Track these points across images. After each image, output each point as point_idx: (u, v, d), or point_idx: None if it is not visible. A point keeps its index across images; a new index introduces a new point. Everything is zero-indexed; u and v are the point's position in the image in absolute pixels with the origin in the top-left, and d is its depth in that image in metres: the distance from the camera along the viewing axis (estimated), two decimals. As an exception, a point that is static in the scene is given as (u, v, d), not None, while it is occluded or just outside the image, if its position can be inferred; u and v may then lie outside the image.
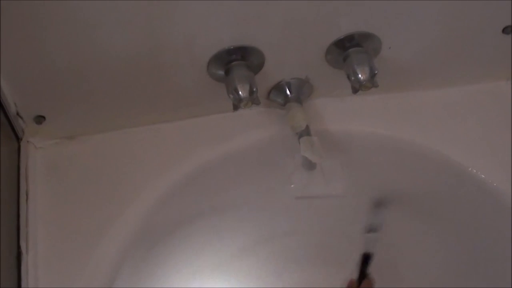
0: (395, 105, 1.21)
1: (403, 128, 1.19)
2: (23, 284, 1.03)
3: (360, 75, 1.06)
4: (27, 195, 1.11)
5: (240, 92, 1.03)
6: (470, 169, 1.15)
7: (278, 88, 1.16)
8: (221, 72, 1.08)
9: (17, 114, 1.11)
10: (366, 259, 1.23)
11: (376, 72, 1.06)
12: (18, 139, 1.16)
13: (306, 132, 1.11)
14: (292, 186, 1.14)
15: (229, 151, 1.18)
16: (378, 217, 1.25)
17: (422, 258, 1.35)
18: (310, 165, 1.12)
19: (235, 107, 1.06)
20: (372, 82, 1.06)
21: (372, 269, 1.23)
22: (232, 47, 1.05)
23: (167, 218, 1.18)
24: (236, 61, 1.07)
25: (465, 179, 1.17)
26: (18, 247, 1.06)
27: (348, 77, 1.08)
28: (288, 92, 1.16)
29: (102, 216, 1.10)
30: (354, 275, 1.24)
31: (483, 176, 1.15)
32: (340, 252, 1.40)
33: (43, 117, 1.13)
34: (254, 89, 1.04)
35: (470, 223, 1.23)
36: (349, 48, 1.09)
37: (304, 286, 1.41)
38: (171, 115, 1.19)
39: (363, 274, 1.23)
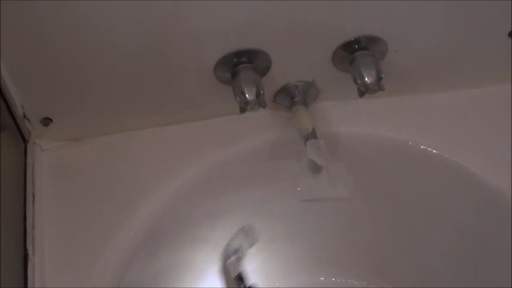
0: (401, 108, 1.21)
1: (409, 131, 1.19)
2: (29, 286, 1.03)
3: (366, 79, 1.06)
4: (33, 197, 1.11)
5: (247, 95, 1.03)
6: (476, 172, 1.15)
7: (285, 91, 1.16)
8: (228, 75, 1.08)
9: (24, 116, 1.11)
10: (240, 278, 1.19)
11: (382, 75, 1.06)
12: (25, 141, 1.16)
13: (313, 135, 1.11)
14: (298, 189, 1.14)
15: (235, 153, 1.18)
16: (240, 240, 1.23)
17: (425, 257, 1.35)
18: (316, 168, 1.12)
19: (242, 110, 1.06)
20: (378, 85, 1.06)
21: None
22: (238, 50, 1.05)
23: (174, 220, 1.18)
24: (243, 64, 1.07)
25: (471, 183, 1.16)
26: (25, 249, 1.05)
27: (355, 81, 1.08)
28: (294, 95, 1.16)
29: (109, 218, 1.10)
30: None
31: (489, 179, 1.14)
32: (342, 256, 1.40)
33: (50, 119, 1.13)
34: (261, 92, 1.04)
35: (474, 226, 1.22)
36: (355, 51, 1.09)
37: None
38: (177, 118, 1.19)
39: None
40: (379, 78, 1.06)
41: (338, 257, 1.39)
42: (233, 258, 1.21)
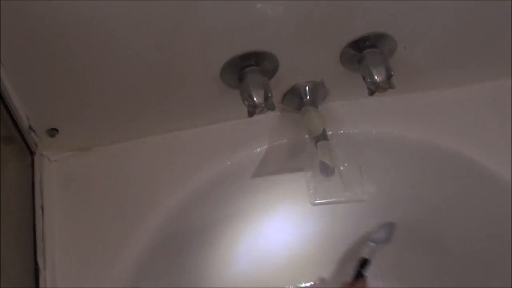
0: (412, 105, 1.19)
1: (421, 128, 1.17)
2: (41, 301, 1.02)
3: (376, 77, 1.04)
4: (42, 209, 1.10)
5: (255, 99, 1.02)
6: (491, 168, 1.13)
7: (293, 92, 1.14)
8: (235, 79, 1.07)
9: (30, 128, 1.10)
10: (363, 263, 1.28)
11: (392, 73, 1.04)
12: (32, 153, 1.15)
13: (323, 136, 1.10)
14: (310, 192, 1.12)
15: (245, 157, 1.17)
16: (385, 232, 1.30)
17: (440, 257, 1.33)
18: (327, 170, 1.10)
19: (250, 114, 1.04)
20: (388, 83, 1.04)
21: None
22: (245, 53, 1.03)
23: (185, 227, 1.17)
24: (250, 66, 1.05)
25: (486, 178, 1.15)
26: (35, 263, 1.05)
27: (364, 79, 1.06)
28: (303, 95, 1.14)
29: (120, 228, 1.10)
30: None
31: (504, 175, 1.13)
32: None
33: (56, 130, 1.12)
34: (269, 95, 1.02)
35: (489, 222, 1.21)
36: (364, 50, 1.07)
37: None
38: (185, 123, 1.18)
39: (359, 274, 1.28)
40: (388, 76, 1.04)
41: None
42: (372, 244, 1.29)
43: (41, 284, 1.03)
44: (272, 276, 1.39)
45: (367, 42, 1.06)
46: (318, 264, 1.41)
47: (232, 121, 1.18)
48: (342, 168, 1.11)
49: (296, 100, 1.15)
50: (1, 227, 0.98)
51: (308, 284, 1.42)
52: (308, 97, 1.14)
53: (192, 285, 1.27)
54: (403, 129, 1.18)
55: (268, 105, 1.03)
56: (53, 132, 1.12)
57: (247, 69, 1.05)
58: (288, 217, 1.31)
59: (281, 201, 1.28)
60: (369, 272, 1.28)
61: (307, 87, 1.14)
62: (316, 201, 1.12)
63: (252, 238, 1.33)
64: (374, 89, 1.05)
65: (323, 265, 1.41)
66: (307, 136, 1.14)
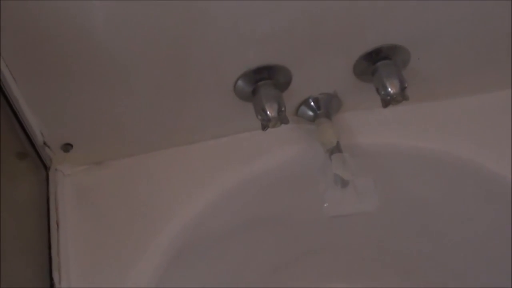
0: (426, 114, 1.19)
1: (436, 137, 1.17)
2: (57, 318, 1.03)
3: (389, 89, 1.04)
4: (57, 224, 1.10)
5: (268, 112, 1.02)
6: (507, 177, 1.12)
7: (307, 104, 1.14)
8: (248, 92, 1.07)
9: (44, 143, 1.11)
10: None
11: (406, 85, 1.04)
12: (46, 168, 1.15)
13: (337, 148, 1.09)
14: (325, 205, 1.12)
15: (259, 169, 1.17)
16: None
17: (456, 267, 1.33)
18: (342, 182, 1.10)
19: (264, 127, 1.04)
20: (402, 95, 1.04)
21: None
22: (258, 67, 1.03)
23: (199, 239, 1.17)
24: (263, 80, 1.05)
25: (501, 189, 1.14)
26: (51, 278, 1.05)
27: (378, 91, 1.06)
28: (316, 107, 1.14)
29: (134, 241, 1.10)
30: None
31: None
32: (370, 267, 1.38)
33: (71, 145, 1.12)
34: (283, 109, 1.02)
35: (503, 228, 1.20)
36: (377, 61, 1.06)
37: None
38: (199, 136, 1.18)
39: None
40: (402, 88, 1.04)
41: (366, 268, 1.37)
42: None
43: (57, 300, 1.03)
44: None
45: (380, 54, 1.06)
46: (336, 274, 1.40)
47: (245, 133, 1.18)
48: (356, 180, 1.10)
49: (310, 112, 1.15)
50: (16, 242, 0.99)
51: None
52: (321, 109, 1.14)
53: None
54: (418, 139, 1.17)
55: (281, 118, 1.03)
56: (67, 147, 1.13)
57: (260, 83, 1.05)
58: (303, 228, 1.31)
59: (296, 213, 1.27)
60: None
61: (320, 99, 1.14)
62: (331, 214, 1.11)
63: (268, 248, 1.33)
64: (388, 101, 1.05)
65: (342, 275, 1.40)
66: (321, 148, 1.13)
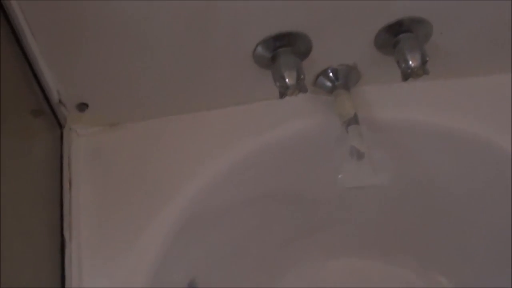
0: (447, 92, 1.17)
1: (455, 115, 1.15)
2: (66, 273, 1.03)
3: (410, 62, 1.02)
4: (70, 183, 1.10)
5: (287, 80, 1.01)
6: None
7: (325, 74, 1.13)
8: (267, 59, 1.06)
9: (60, 101, 1.10)
10: None
11: (427, 59, 1.02)
12: (61, 126, 1.15)
13: (354, 120, 1.08)
14: (340, 176, 1.11)
15: (274, 139, 1.16)
16: None
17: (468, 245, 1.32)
18: (358, 155, 1.09)
19: (282, 95, 1.03)
20: (423, 69, 1.03)
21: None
22: (278, 33, 1.02)
23: (212, 206, 1.16)
24: (283, 47, 1.04)
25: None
26: (62, 236, 1.05)
27: (398, 64, 1.05)
28: (335, 79, 1.13)
29: (146, 204, 1.09)
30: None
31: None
32: (385, 242, 1.37)
33: (86, 105, 1.12)
34: (302, 77, 1.02)
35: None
36: (399, 34, 1.05)
37: (355, 275, 1.39)
38: (216, 102, 1.17)
39: None
40: (423, 62, 1.02)
41: (377, 243, 1.37)
42: None
43: (67, 256, 1.04)
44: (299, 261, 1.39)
45: (403, 26, 1.04)
46: (350, 248, 1.40)
47: (262, 101, 1.17)
48: (372, 152, 1.10)
49: (328, 83, 1.13)
50: (29, 199, 0.99)
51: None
52: (340, 80, 1.13)
53: (217, 265, 1.27)
54: (436, 116, 1.16)
55: (300, 87, 1.02)
56: (82, 106, 1.12)
57: (280, 50, 1.04)
58: (317, 200, 1.30)
59: (310, 185, 1.26)
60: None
61: (339, 70, 1.13)
62: (346, 185, 1.11)
63: (280, 221, 1.32)
64: (408, 74, 1.04)
65: (356, 249, 1.40)
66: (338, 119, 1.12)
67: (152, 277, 1.05)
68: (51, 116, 1.12)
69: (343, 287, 1.38)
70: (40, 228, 1.01)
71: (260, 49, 1.04)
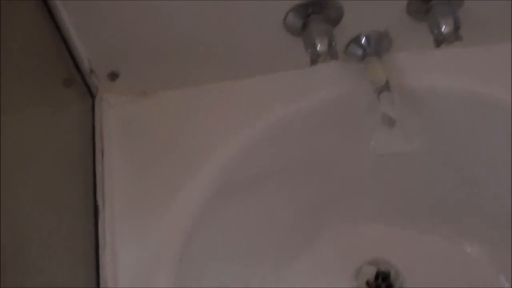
0: (480, 58, 1.15)
1: (488, 82, 1.13)
2: (100, 239, 1.04)
3: (443, 28, 1.01)
4: (102, 152, 1.11)
5: (318, 47, 1.00)
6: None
7: (357, 41, 1.12)
8: (298, 26, 1.05)
9: (91, 71, 1.11)
10: None
11: (460, 25, 1.01)
12: (93, 96, 1.16)
13: (386, 87, 1.07)
14: (372, 143, 1.11)
15: (305, 107, 1.15)
16: None
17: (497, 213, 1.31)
18: (390, 122, 1.08)
19: (313, 62, 1.03)
20: (456, 35, 1.02)
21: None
22: (309, 0, 1.01)
23: (242, 175, 1.17)
24: (314, 14, 1.03)
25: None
26: (95, 203, 1.06)
27: (431, 30, 1.04)
28: (366, 45, 1.12)
29: (178, 172, 1.10)
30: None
31: None
32: (414, 209, 1.37)
33: (117, 74, 1.13)
34: (333, 44, 1.01)
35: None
36: (431, 0, 1.04)
37: (384, 242, 1.39)
38: (246, 71, 1.16)
39: None
40: (456, 28, 1.01)
41: (410, 210, 1.36)
42: None
43: (100, 223, 1.05)
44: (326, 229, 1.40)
45: (436, -8, 1.03)
46: (380, 215, 1.40)
47: (293, 70, 1.16)
48: (404, 120, 1.09)
49: (360, 50, 1.13)
50: (63, 167, 1.00)
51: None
52: (371, 47, 1.12)
53: (247, 234, 1.28)
54: (468, 83, 1.14)
55: (331, 53, 1.02)
56: (114, 75, 1.13)
57: (311, 17, 1.03)
58: (347, 169, 1.30)
59: (341, 153, 1.26)
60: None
61: (371, 37, 1.11)
62: (377, 152, 1.10)
63: (308, 189, 1.32)
64: (440, 40, 1.03)
65: (386, 216, 1.40)
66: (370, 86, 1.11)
67: (184, 243, 1.06)
68: (82, 86, 1.13)
69: (373, 253, 1.37)
70: (74, 195, 1.03)
71: (291, 17, 1.04)
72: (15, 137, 0.85)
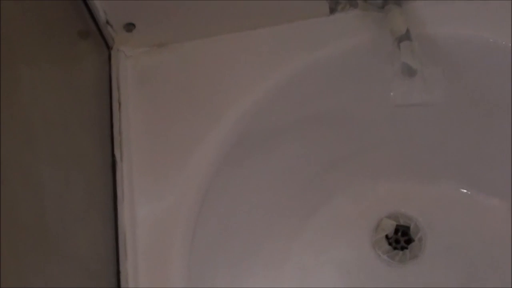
0: (501, 8, 1.12)
1: (509, 32, 1.11)
2: (118, 191, 1.04)
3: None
4: (119, 104, 1.11)
5: (337, -6, 0.98)
6: None
7: (376, -11, 1.10)
8: (317, -27, 1.03)
9: (107, 22, 1.10)
10: None
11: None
12: (109, 48, 1.15)
13: (407, 36, 1.05)
14: (391, 93, 1.09)
15: (324, 57, 1.13)
16: None
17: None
18: (410, 72, 1.06)
19: (332, 10, 1.02)
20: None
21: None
22: None
23: (260, 127, 1.16)
24: (335, -40, 1.01)
25: None
26: (113, 155, 1.06)
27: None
28: (386, -7, 1.09)
29: (196, 124, 1.10)
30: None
31: None
32: (432, 161, 1.35)
33: (133, 25, 1.12)
34: (352, -8, 0.99)
35: None
36: None
37: (399, 198, 1.37)
38: (264, 21, 1.15)
39: None
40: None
41: (429, 163, 1.35)
42: None
43: (118, 175, 1.05)
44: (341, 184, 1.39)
45: None
46: (397, 168, 1.39)
47: (312, 19, 1.14)
48: (424, 69, 1.07)
49: (379, -2, 1.10)
50: (80, 120, 1.00)
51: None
52: (391, -5, 1.09)
53: (266, 189, 1.28)
54: (490, 32, 1.11)
55: (350, 2, 1.00)
56: (130, 27, 1.12)
57: (332, -37, 1.01)
58: (366, 121, 1.28)
59: (360, 104, 1.24)
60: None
61: (391, -15, 1.09)
62: (397, 103, 1.09)
63: (325, 143, 1.31)
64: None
65: (403, 169, 1.39)
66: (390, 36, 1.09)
67: (203, 196, 1.06)
68: (98, 37, 1.12)
69: (392, 207, 1.37)
70: (91, 148, 1.02)
71: (309, -36, 1.02)
72: (32, 90, 0.85)
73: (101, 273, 0.97)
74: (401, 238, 1.34)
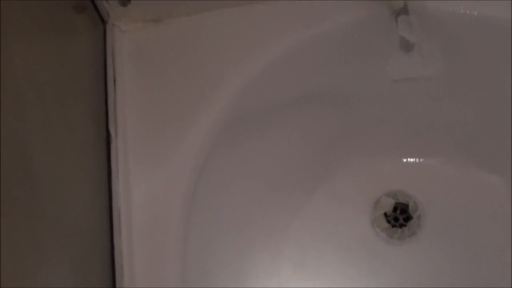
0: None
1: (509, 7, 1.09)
2: (113, 168, 1.04)
3: None
4: (114, 80, 1.10)
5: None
6: None
7: (375, -37, 1.09)
8: None
9: (102, -4, 1.09)
10: None
11: None
12: (104, 22, 1.14)
13: (404, 10, 1.05)
14: (388, 68, 1.08)
15: (321, 32, 1.12)
16: None
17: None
18: (407, 46, 1.06)
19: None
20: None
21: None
22: None
23: (256, 104, 1.15)
24: None
25: None
26: (107, 132, 1.06)
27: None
28: (385, -33, 1.08)
29: (190, 101, 1.09)
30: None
31: None
32: (431, 137, 1.35)
33: (129, -1, 1.11)
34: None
35: None
36: None
37: (398, 176, 1.37)
38: (259, -5, 1.14)
39: None
40: None
41: (428, 141, 1.34)
42: None
43: (113, 151, 1.04)
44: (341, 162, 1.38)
45: None
46: (396, 144, 1.39)
47: (308, -6, 1.13)
48: (422, 44, 1.06)
49: (377, -29, 1.09)
50: (74, 95, 0.99)
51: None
52: (389, -32, 1.08)
53: (264, 166, 1.27)
54: (490, 7, 1.10)
55: (348, -25, 0.99)
56: (125, 1, 1.12)
57: None
58: (364, 97, 1.27)
59: (357, 80, 1.23)
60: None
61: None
62: (394, 78, 1.08)
63: (324, 120, 1.30)
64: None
65: (402, 144, 1.39)
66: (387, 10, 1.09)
67: (198, 174, 1.06)
68: (93, 12, 1.11)
69: (391, 185, 1.36)
70: (86, 124, 1.02)
71: None
72: (26, 65, 0.84)
73: (95, 248, 0.97)
74: (400, 216, 1.34)
